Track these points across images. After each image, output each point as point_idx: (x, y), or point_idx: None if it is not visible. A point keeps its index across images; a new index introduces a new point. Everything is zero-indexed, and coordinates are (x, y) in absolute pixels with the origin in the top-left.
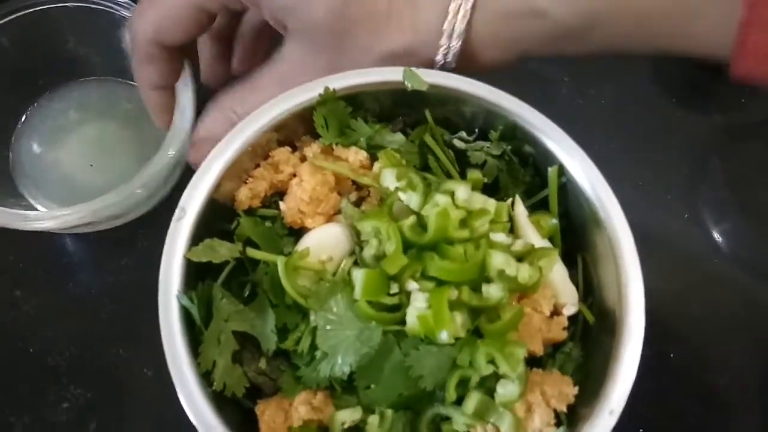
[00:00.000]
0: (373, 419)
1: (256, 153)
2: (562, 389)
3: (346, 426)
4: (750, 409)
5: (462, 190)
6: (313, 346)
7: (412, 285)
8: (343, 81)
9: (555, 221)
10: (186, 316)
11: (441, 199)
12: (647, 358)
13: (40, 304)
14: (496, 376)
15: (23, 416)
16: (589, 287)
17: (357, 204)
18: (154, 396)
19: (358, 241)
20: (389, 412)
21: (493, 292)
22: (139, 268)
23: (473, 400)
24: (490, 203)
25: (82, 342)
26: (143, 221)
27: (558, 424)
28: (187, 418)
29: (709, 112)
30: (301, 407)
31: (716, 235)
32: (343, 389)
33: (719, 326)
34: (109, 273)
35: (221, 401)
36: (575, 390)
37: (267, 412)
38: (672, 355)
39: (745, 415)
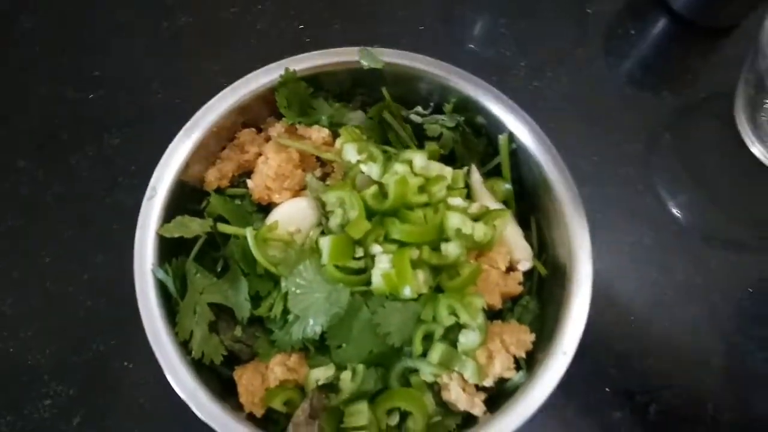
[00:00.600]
0: (346, 375)
1: (222, 135)
2: (520, 337)
3: (320, 383)
4: (709, 357)
5: (419, 159)
6: (286, 311)
7: (376, 248)
8: (302, 62)
9: (508, 186)
10: (162, 289)
11: (399, 168)
12: (611, 323)
13: (17, 304)
14: (459, 328)
15: (6, 415)
16: (543, 245)
17: (322, 179)
18: (136, 387)
19: (324, 212)
20: (360, 367)
21: (451, 249)
22: (114, 265)
23: (437, 350)
24: (447, 170)
25: (62, 339)
26: (117, 218)
27: (518, 369)
28: (169, 406)
29: (659, 91)
30: (277, 368)
31: (670, 206)
32: (316, 349)
33: (676, 290)
34: (86, 270)
35: (201, 371)
36: (532, 337)
37: (244, 376)
38: (632, 318)
39: (703, 366)
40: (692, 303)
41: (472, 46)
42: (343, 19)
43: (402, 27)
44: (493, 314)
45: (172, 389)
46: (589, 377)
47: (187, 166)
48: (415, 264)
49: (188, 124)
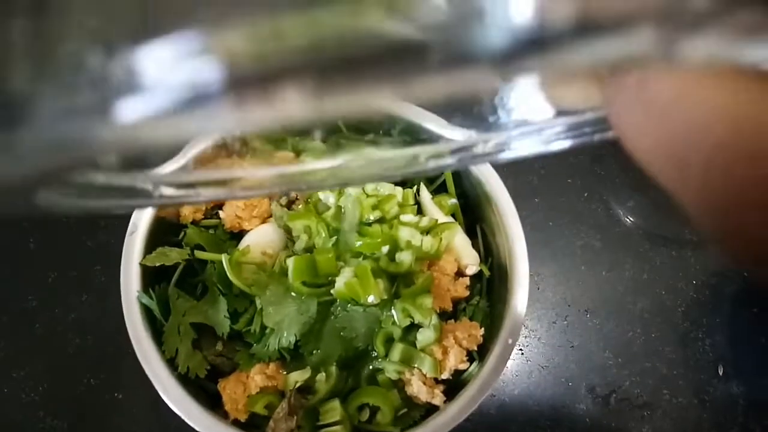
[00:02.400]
0: (321, 377)
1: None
2: (471, 332)
3: (298, 385)
4: (661, 345)
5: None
6: (263, 326)
7: (339, 264)
8: None
9: (454, 200)
10: (147, 314)
11: (352, 191)
12: (569, 321)
13: (8, 347)
14: (416, 329)
15: None
16: (488, 251)
17: (287, 206)
18: (127, 416)
19: (290, 237)
20: (333, 368)
21: (404, 257)
22: (98, 304)
23: (397, 350)
24: (397, 189)
25: (53, 377)
26: (99, 260)
27: (471, 361)
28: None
29: None
30: (257, 377)
31: (616, 210)
32: (291, 357)
33: (625, 286)
34: (72, 310)
35: (188, 386)
36: (482, 331)
37: (228, 387)
38: (588, 315)
39: (656, 355)
40: (641, 297)
41: None
42: None
43: None
44: (447, 315)
45: (162, 415)
46: (552, 374)
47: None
48: (376, 274)
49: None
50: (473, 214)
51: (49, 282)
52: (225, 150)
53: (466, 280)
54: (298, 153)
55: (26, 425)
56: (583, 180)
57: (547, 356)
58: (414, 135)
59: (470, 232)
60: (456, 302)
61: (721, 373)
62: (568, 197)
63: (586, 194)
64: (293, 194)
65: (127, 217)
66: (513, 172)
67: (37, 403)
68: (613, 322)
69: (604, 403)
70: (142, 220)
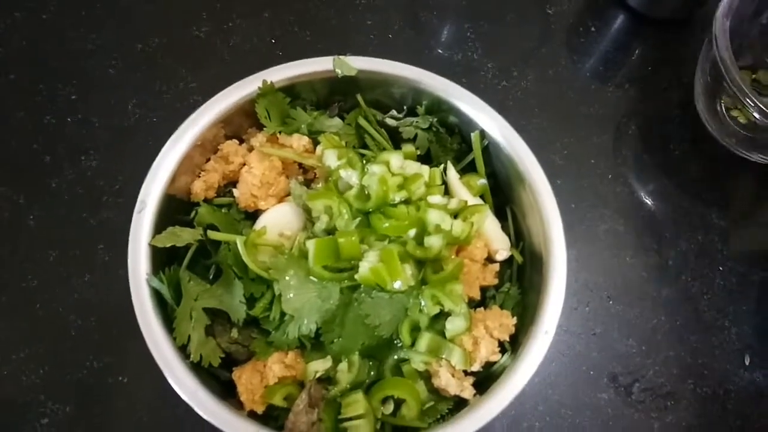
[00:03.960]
0: (343, 366)
1: (206, 147)
2: (502, 321)
3: (318, 375)
4: (686, 333)
5: (395, 159)
6: (283, 312)
7: (363, 247)
8: (279, 73)
9: (483, 181)
10: (157, 298)
11: (377, 169)
12: (591, 307)
13: (7, 329)
14: (444, 317)
15: None
16: (519, 235)
17: (305, 185)
18: (133, 401)
19: (309, 217)
20: (356, 357)
21: (434, 242)
22: (101, 284)
23: (425, 339)
24: (424, 168)
25: (55, 359)
26: (102, 238)
27: (503, 352)
28: (167, 417)
29: (622, 84)
30: (275, 366)
31: (640, 193)
32: (312, 346)
33: (649, 272)
34: (74, 290)
35: (200, 375)
36: (514, 321)
37: (243, 376)
38: (611, 302)
39: (681, 343)
40: (666, 284)
41: (440, 50)
42: (313, 31)
43: (371, 36)
44: (475, 304)
45: (170, 401)
46: (573, 362)
47: (173, 178)
48: (403, 258)
49: (173, 137)
50: (503, 195)
51: (50, 261)
52: None
53: (496, 267)
54: (313, 135)
55: (27, 409)
56: (607, 161)
57: (569, 344)
58: None
59: (499, 215)
60: (484, 290)
61: (747, 362)
62: (590, 179)
63: (609, 176)
64: (311, 171)
65: (131, 193)
66: (533, 152)
67: (38, 386)
68: (636, 309)
69: (627, 392)
70: (150, 197)
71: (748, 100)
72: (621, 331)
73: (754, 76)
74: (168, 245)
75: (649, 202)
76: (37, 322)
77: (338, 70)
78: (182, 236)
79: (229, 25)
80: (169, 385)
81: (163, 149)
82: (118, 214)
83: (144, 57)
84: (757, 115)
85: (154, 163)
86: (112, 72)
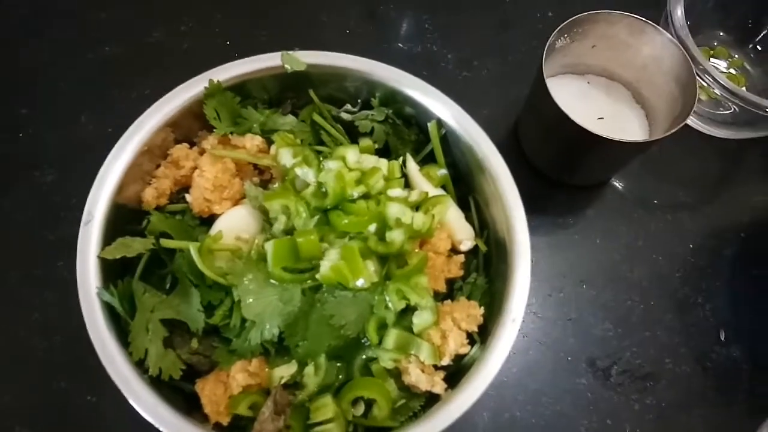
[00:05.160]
0: (309, 369)
1: (155, 153)
2: (470, 312)
3: (284, 380)
4: (661, 313)
5: (352, 153)
6: (243, 319)
7: (323, 245)
8: (226, 72)
9: (444, 171)
10: (110, 312)
11: (333, 165)
12: (565, 294)
13: None
14: (411, 312)
15: None
16: (483, 224)
17: (262, 186)
18: (103, 420)
19: (266, 219)
20: (322, 359)
21: (395, 236)
22: (63, 301)
23: (392, 336)
24: (382, 161)
25: (21, 382)
26: (62, 254)
27: (472, 344)
28: None
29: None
30: (239, 375)
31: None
32: (276, 351)
33: (621, 254)
34: (35, 310)
35: (162, 389)
36: (482, 311)
37: (207, 387)
38: (584, 286)
39: (657, 323)
40: (638, 265)
41: (399, 44)
42: (269, 31)
43: (328, 32)
44: (442, 296)
45: (141, 419)
46: (550, 349)
47: (121, 187)
48: (364, 254)
49: (118, 144)
50: (465, 184)
51: (9, 281)
52: None
53: (461, 258)
54: (267, 135)
55: None
56: None
57: (545, 331)
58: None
59: (462, 205)
60: (451, 282)
61: (723, 338)
62: None
63: None
64: (267, 172)
65: None
66: (499, 140)
67: (5, 411)
68: (610, 292)
69: (605, 376)
70: (98, 207)
71: (708, 77)
72: (596, 315)
73: (712, 52)
74: (118, 257)
75: (616, 184)
76: None
77: (287, 66)
78: (133, 246)
79: (182, 29)
80: None
81: (108, 157)
82: (76, 229)
83: (96, 66)
84: (718, 92)
85: (100, 172)
86: (62, 83)
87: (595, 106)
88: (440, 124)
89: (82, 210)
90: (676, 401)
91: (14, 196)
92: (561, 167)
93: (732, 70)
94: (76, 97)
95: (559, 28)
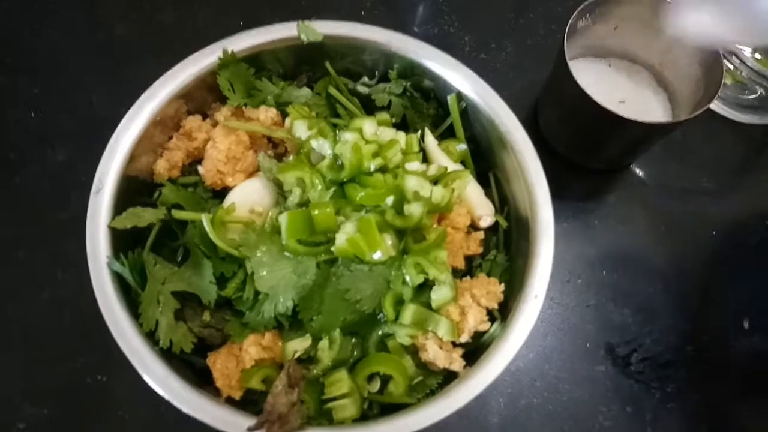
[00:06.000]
0: (323, 343)
1: (167, 125)
2: (489, 289)
3: (297, 354)
4: (682, 300)
5: (369, 125)
6: (257, 292)
7: (339, 218)
8: (240, 42)
9: (463, 146)
10: (120, 282)
11: (349, 136)
12: (583, 279)
13: None
14: (428, 289)
15: None
16: (504, 201)
17: (275, 159)
18: (114, 400)
19: (280, 191)
20: (337, 333)
21: (414, 209)
22: (74, 281)
23: (410, 311)
24: (400, 134)
25: (30, 361)
26: (74, 233)
27: (492, 321)
28: (150, 415)
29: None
30: (251, 348)
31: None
32: (290, 325)
33: (640, 240)
34: (44, 290)
35: (172, 363)
36: (502, 287)
37: (218, 361)
38: (603, 272)
39: (678, 310)
40: (659, 251)
41: (415, 26)
42: (283, 13)
43: (344, 15)
44: (462, 273)
45: (152, 398)
46: (568, 335)
47: (133, 157)
48: (381, 228)
49: (129, 113)
50: (485, 160)
51: (19, 259)
52: None
53: (480, 235)
54: (281, 107)
55: (4, 415)
56: None
57: (563, 317)
58: None
59: (481, 182)
60: (469, 259)
61: (746, 326)
62: None
63: None
64: (281, 145)
65: None
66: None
67: (12, 390)
68: (630, 279)
69: (625, 363)
70: (108, 177)
71: (735, 58)
72: (615, 301)
73: None
74: (129, 227)
75: (637, 169)
76: (8, 325)
77: (303, 36)
78: (144, 216)
79: (195, 9)
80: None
81: (119, 126)
82: (87, 209)
83: (108, 46)
84: (745, 74)
85: (110, 141)
86: (75, 63)
87: (616, 89)
88: (460, 96)
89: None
90: (698, 390)
91: (26, 175)
92: (582, 150)
93: (757, 54)
94: (88, 77)
95: (581, 7)
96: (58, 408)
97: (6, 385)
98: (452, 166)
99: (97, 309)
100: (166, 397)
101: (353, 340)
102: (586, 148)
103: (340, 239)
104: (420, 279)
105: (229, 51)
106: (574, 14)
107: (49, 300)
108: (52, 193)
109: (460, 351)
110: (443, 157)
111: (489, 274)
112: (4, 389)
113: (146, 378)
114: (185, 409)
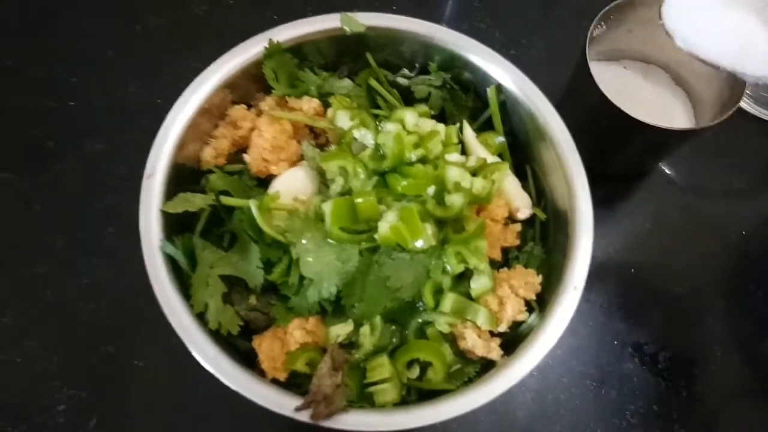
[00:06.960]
0: (365, 329)
1: (213, 113)
2: (527, 280)
3: (340, 339)
4: (711, 299)
5: (410, 116)
6: (302, 277)
7: (381, 207)
8: (285, 33)
9: (502, 138)
10: (171, 264)
11: (391, 127)
12: (612, 277)
13: (17, 315)
14: (467, 279)
15: (19, 425)
16: (541, 194)
17: (317, 148)
18: (149, 385)
19: (323, 180)
20: (378, 319)
21: (455, 199)
22: (110, 268)
23: (449, 300)
24: (440, 125)
25: (67, 345)
26: (110, 221)
27: (530, 311)
28: (183, 400)
29: None
30: (296, 332)
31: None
32: (332, 311)
33: (671, 238)
34: (83, 275)
35: (219, 345)
36: (539, 279)
37: (264, 343)
38: (632, 270)
39: (706, 309)
40: (688, 250)
41: (446, 22)
42: (316, 7)
43: (375, 11)
44: (498, 265)
45: (185, 383)
46: (596, 333)
47: (181, 145)
48: (423, 217)
49: (178, 102)
50: (522, 153)
51: (57, 247)
52: None
53: (517, 227)
54: (323, 98)
55: (41, 396)
56: None
57: (591, 314)
58: None
59: (518, 175)
60: (506, 251)
61: None
62: None
63: None
64: (323, 135)
65: (136, 176)
66: None
67: (51, 373)
68: (658, 278)
69: (652, 361)
70: (159, 163)
71: None
72: (644, 300)
73: None
74: (180, 211)
75: (665, 168)
76: (47, 309)
77: (346, 27)
78: (194, 201)
79: (229, 2)
80: (184, 366)
81: (169, 115)
82: (123, 198)
83: (143, 38)
84: None
85: (161, 130)
86: (111, 54)
87: (634, 90)
88: (499, 89)
89: (129, 179)
90: (725, 390)
91: (64, 164)
92: (602, 157)
93: None
94: (126, 68)
95: (597, 17)
96: (95, 391)
97: (47, 369)
98: (490, 158)
99: (132, 296)
100: (217, 375)
101: (393, 327)
102: (607, 155)
103: (383, 227)
104: (461, 268)
105: (275, 41)
106: (592, 24)
107: (86, 287)
108: (89, 181)
109: (498, 340)
110: (481, 149)
111: (526, 266)
112: (44, 372)
113: (197, 356)
114: (235, 387)
